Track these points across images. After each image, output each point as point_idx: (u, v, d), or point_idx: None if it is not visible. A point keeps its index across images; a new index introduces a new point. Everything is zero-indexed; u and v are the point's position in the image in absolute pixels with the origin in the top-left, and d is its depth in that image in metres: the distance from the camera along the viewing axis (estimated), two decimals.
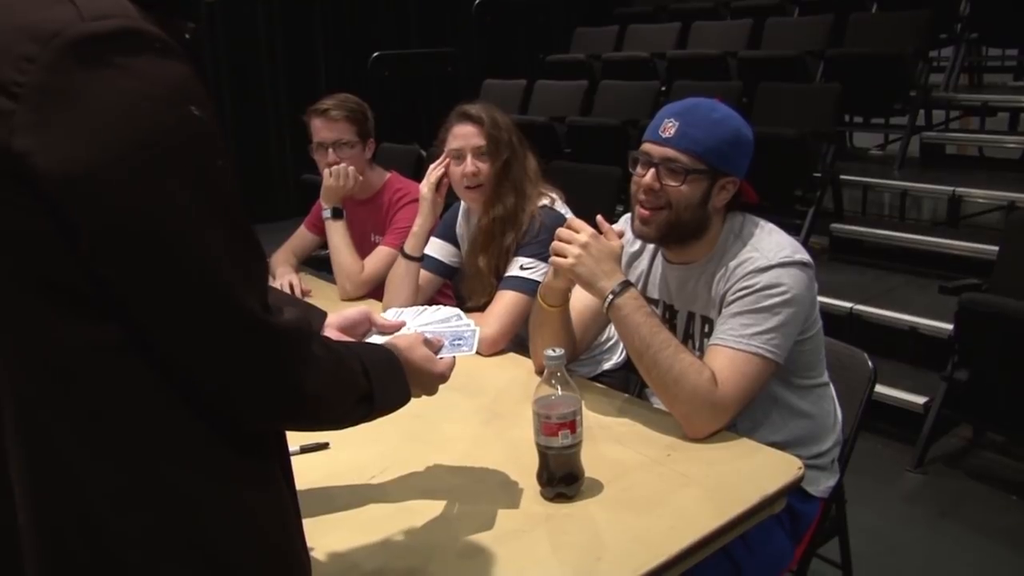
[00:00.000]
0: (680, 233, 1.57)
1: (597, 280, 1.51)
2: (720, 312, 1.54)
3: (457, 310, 1.30)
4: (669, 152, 1.51)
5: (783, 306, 1.47)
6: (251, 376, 0.76)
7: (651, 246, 1.73)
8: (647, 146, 1.56)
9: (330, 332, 1.18)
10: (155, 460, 0.73)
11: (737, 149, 1.54)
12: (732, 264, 1.54)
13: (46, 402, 0.70)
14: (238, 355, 0.75)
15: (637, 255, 1.76)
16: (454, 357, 1.16)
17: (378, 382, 0.93)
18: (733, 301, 1.51)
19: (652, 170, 1.53)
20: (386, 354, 1.01)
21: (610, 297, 1.50)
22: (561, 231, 1.55)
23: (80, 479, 0.71)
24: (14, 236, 0.67)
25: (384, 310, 2.15)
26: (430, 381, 1.11)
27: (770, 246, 1.53)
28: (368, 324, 1.21)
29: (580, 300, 1.73)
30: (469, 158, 2.04)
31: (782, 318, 1.47)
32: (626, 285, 1.51)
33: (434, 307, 1.32)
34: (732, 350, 1.47)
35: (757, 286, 1.49)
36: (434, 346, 1.15)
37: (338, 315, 1.20)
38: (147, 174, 0.67)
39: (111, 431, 0.72)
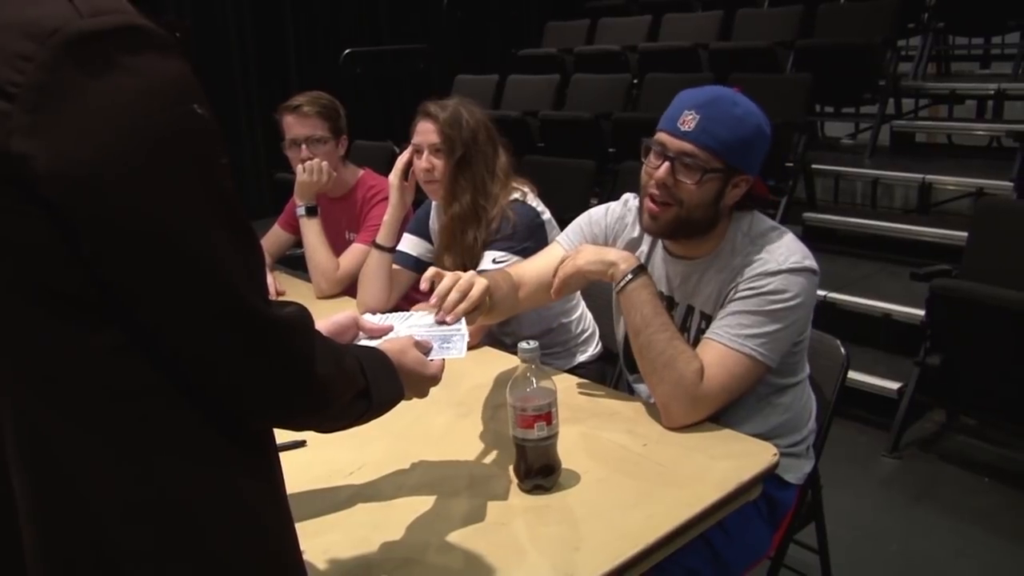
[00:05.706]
0: (688, 230, 1.53)
1: (610, 263, 1.53)
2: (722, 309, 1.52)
3: None
4: (687, 147, 1.45)
5: (787, 312, 1.45)
6: (260, 369, 0.75)
7: None
8: (663, 137, 1.49)
9: None
10: (161, 466, 0.72)
11: (756, 147, 1.49)
12: (739, 263, 1.51)
13: (48, 415, 0.68)
14: (246, 349, 0.74)
15: (637, 242, 1.71)
16: (444, 360, 1.15)
17: (374, 379, 0.93)
18: (737, 299, 1.48)
19: (667, 164, 1.47)
20: (379, 354, 1.01)
21: (629, 277, 1.51)
22: None
23: (86, 493, 0.69)
24: (14, 244, 0.65)
25: (359, 305, 2.16)
26: (422, 383, 1.10)
27: (780, 249, 1.49)
28: (356, 329, 1.20)
29: (535, 268, 1.71)
30: (425, 154, 2.04)
31: (783, 324, 1.45)
32: (640, 270, 1.52)
33: (420, 312, 1.31)
34: (725, 347, 1.46)
35: (764, 288, 1.46)
36: (424, 348, 1.14)
37: (326, 320, 1.17)
38: (151, 173, 0.65)
39: (116, 439, 0.70)
